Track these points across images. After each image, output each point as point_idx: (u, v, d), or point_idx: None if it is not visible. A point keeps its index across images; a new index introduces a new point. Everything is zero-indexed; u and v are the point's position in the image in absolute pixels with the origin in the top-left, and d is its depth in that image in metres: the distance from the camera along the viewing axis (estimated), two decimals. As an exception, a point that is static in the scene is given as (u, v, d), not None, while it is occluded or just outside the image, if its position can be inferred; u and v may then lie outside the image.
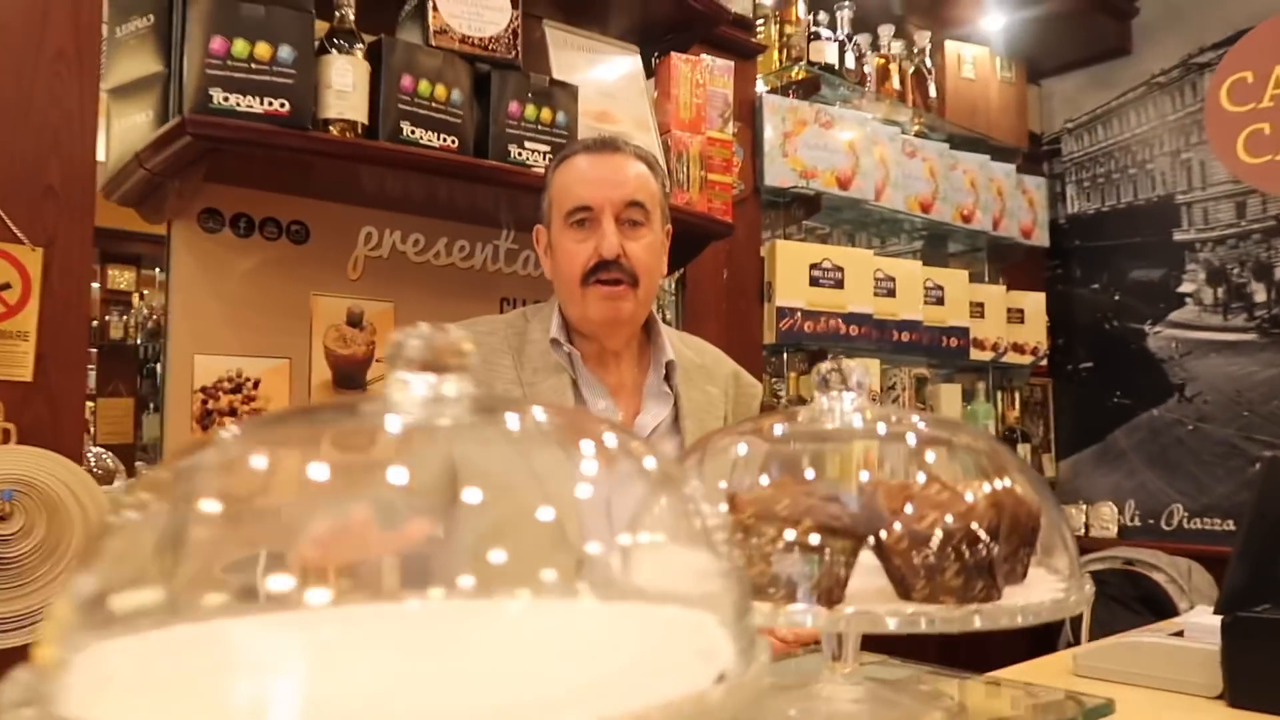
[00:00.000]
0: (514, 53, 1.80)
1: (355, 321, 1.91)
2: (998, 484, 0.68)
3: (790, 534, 0.61)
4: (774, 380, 2.82)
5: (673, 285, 2.49)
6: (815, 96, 2.82)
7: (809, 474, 0.68)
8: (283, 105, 1.52)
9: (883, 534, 0.63)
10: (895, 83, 3.11)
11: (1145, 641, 1.34)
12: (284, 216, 1.83)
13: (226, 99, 1.49)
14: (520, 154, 1.80)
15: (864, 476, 0.68)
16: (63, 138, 1.58)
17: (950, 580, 0.62)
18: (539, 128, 1.83)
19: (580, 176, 1.40)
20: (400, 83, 1.65)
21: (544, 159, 1.82)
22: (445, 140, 1.71)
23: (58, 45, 1.58)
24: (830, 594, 0.61)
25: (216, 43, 1.48)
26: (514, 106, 1.80)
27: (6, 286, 1.51)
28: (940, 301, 3.12)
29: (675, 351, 1.49)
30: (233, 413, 1.74)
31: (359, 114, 1.61)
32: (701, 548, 0.49)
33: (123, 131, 1.70)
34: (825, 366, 0.72)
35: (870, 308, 2.83)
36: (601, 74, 2.08)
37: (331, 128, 1.60)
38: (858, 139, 2.86)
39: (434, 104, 1.70)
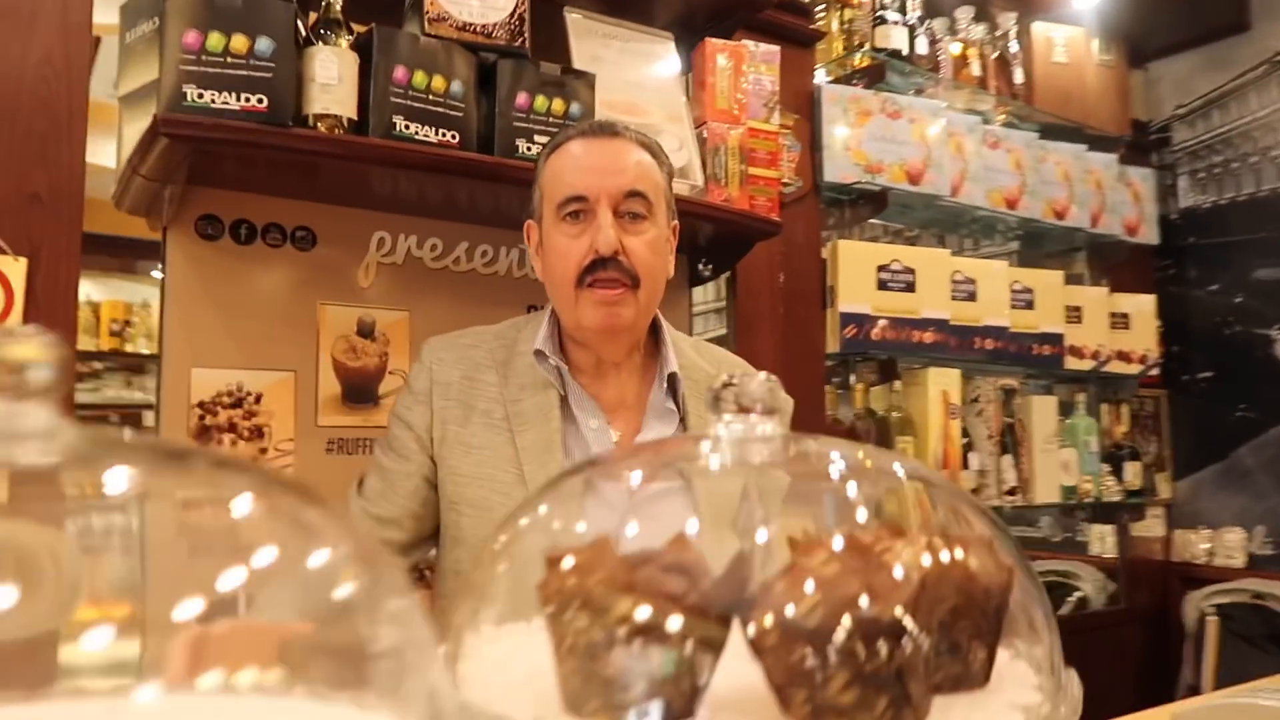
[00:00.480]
0: (520, 40, 1.67)
1: (366, 332, 1.81)
2: (933, 543, 0.49)
3: (605, 619, 0.44)
4: (839, 392, 2.61)
5: (720, 290, 2.32)
6: (881, 85, 2.60)
7: (643, 530, 0.50)
8: (260, 101, 1.42)
9: (750, 622, 0.45)
10: (975, 69, 2.86)
11: (1263, 705, 1.09)
12: (288, 222, 1.74)
13: (201, 96, 1.40)
14: (529, 149, 1.66)
15: (736, 536, 0.50)
16: (49, 145, 1.52)
17: (837, 695, 0.43)
18: (550, 120, 1.69)
19: (574, 163, 1.26)
20: (393, 74, 1.54)
21: (556, 153, 1.68)
22: (444, 135, 1.59)
23: (44, 50, 1.53)
24: (671, 709, 0.44)
25: (190, 36, 1.40)
26: (522, 98, 1.67)
27: (-12, 298, 1.46)
28: (1030, 305, 2.84)
29: (685, 362, 1.33)
30: (232, 428, 1.65)
31: (346, 109, 1.50)
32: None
33: (131, 138, 1.64)
34: (720, 381, 0.54)
35: (947, 313, 2.59)
36: (630, 63, 1.93)
37: (320, 124, 1.50)
38: (930, 130, 2.62)
39: (431, 97, 1.58)
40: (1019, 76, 2.98)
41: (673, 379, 1.29)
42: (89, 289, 6.47)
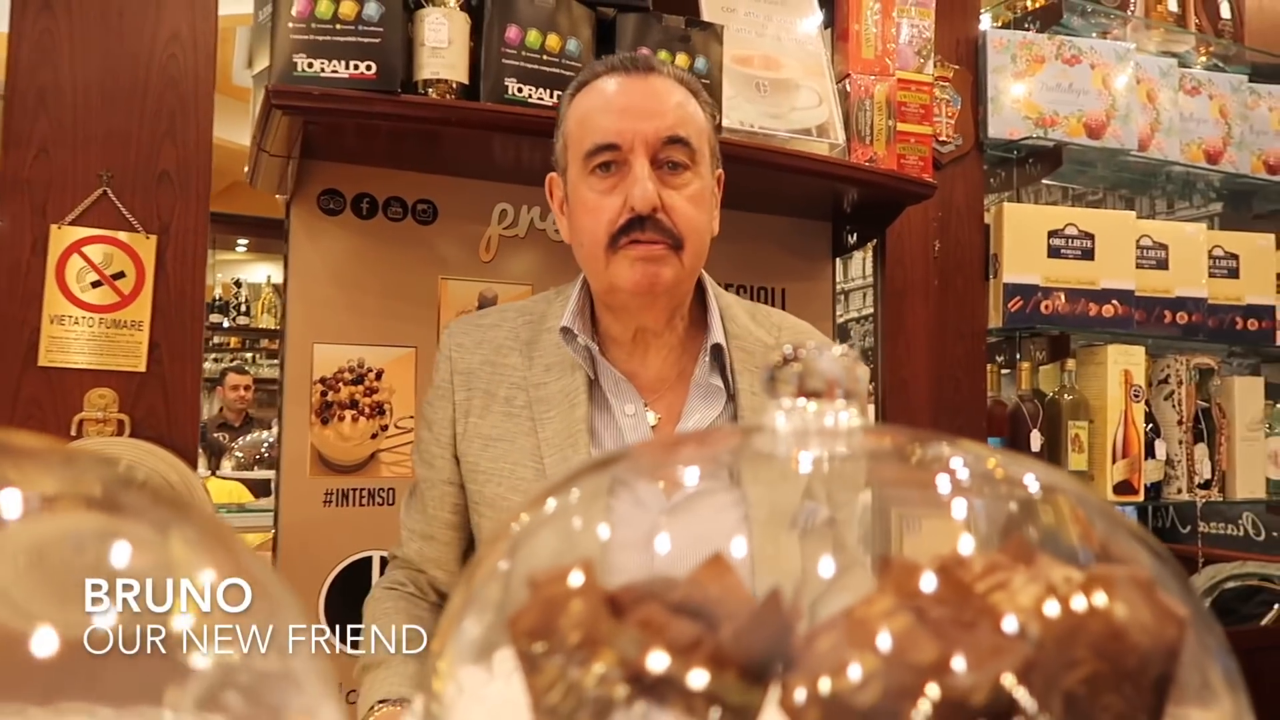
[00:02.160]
0: (641, -9, 1.55)
1: (488, 307, 1.76)
2: (1062, 582, 0.35)
3: (587, 670, 0.33)
4: (1003, 372, 2.37)
5: (864, 259, 2.14)
6: (1057, 28, 2.33)
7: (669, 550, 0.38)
8: (369, 68, 1.38)
9: (786, 689, 0.32)
10: (1172, 4, 2.52)
11: None
12: (409, 195, 1.70)
13: (310, 65, 1.37)
14: (651, 109, 1.55)
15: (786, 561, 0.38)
16: (178, 122, 1.54)
17: None
18: (674, 77, 1.57)
19: (604, 104, 1.06)
20: (505, 34, 1.46)
21: (679, 113, 1.56)
22: (559, 98, 1.50)
23: (172, 28, 1.54)
24: None
25: (300, 4, 1.37)
26: (644, 54, 1.55)
27: (120, 275, 1.49)
28: (1233, 274, 2.49)
29: (737, 329, 1.14)
30: (353, 405, 1.64)
31: (457, 73, 1.44)
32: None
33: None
34: (780, 355, 0.42)
35: (1131, 282, 2.30)
36: (764, 13, 1.78)
37: (431, 90, 1.44)
38: (1116, 76, 2.33)
39: (545, 57, 1.49)
40: (1225, 10, 2.61)
41: (716, 351, 1.11)
42: (270, 270, 6.88)
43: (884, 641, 0.32)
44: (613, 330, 1.12)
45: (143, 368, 1.49)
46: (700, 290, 1.16)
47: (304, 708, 0.35)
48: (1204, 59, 2.63)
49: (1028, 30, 2.32)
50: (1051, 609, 0.37)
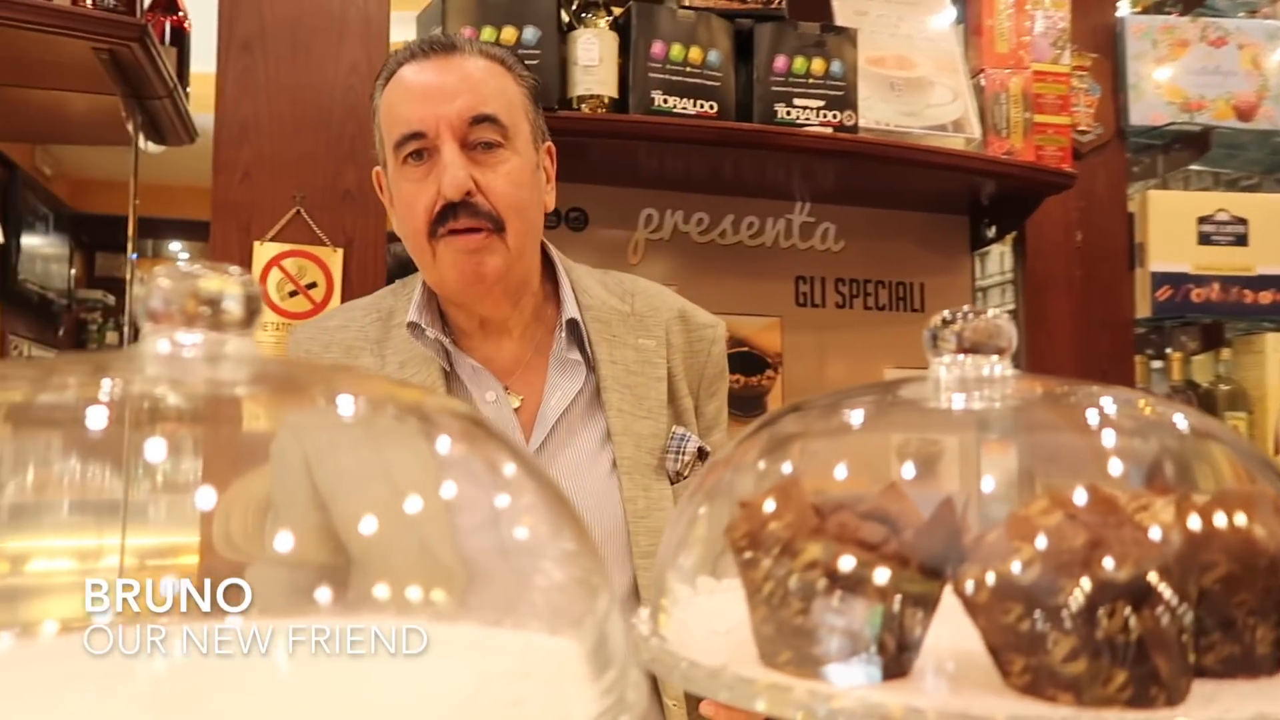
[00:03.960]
0: (778, 2, 1.63)
1: (635, 307, 1.86)
2: (1203, 502, 0.41)
3: (793, 565, 0.41)
4: (1153, 364, 2.32)
5: (1002, 255, 2.15)
6: (1200, 10, 2.27)
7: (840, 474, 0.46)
8: (529, 87, 1.50)
9: (961, 576, 0.40)
10: (1329, -22, 2.41)
11: None
12: (562, 205, 1.82)
13: (477, 87, 1.50)
14: (789, 113, 1.63)
15: (952, 483, 0.45)
16: (358, 146, 1.70)
17: (1062, 665, 0.37)
18: (810, 81, 1.64)
19: (404, 93, 1.02)
20: (651, 50, 1.56)
21: (816, 115, 1.63)
22: (702, 106, 1.59)
23: (351, 59, 1.71)
24: (879, 668, 0.40)
25: (466, 34, 1.51)
26: (780, 61, 1.63)
27: (313, 285, 1.66)
28: (1407, 256, 2.36)
29: (591, 301, 1.11)
30: (515, 400, 1.76)
31: (607, 88, 1.55)
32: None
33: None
34: (937, 320, 0.49)
35: (1290, 268, 2.22)
36: (897, 14, 1.83)
37: (583, 105, 1.56)
38: (1269, 55, 2.25)
39: (689, 68, 1.59)
40: (1390, -19, 2.48)
41: (573, 325, 1.08)
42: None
43: (1042, 532, 0.39)
44: (459, 321, 1.09)
45: (332, 367, 1.66)
46: (549, 265, 1.14)
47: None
48: (1368, 32, 2.50)
49: (1169, 14, 2.28)
50: (1189, 519, 0.43)
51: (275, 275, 1.64)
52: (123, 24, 1.42)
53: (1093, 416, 0.51)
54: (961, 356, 0.51)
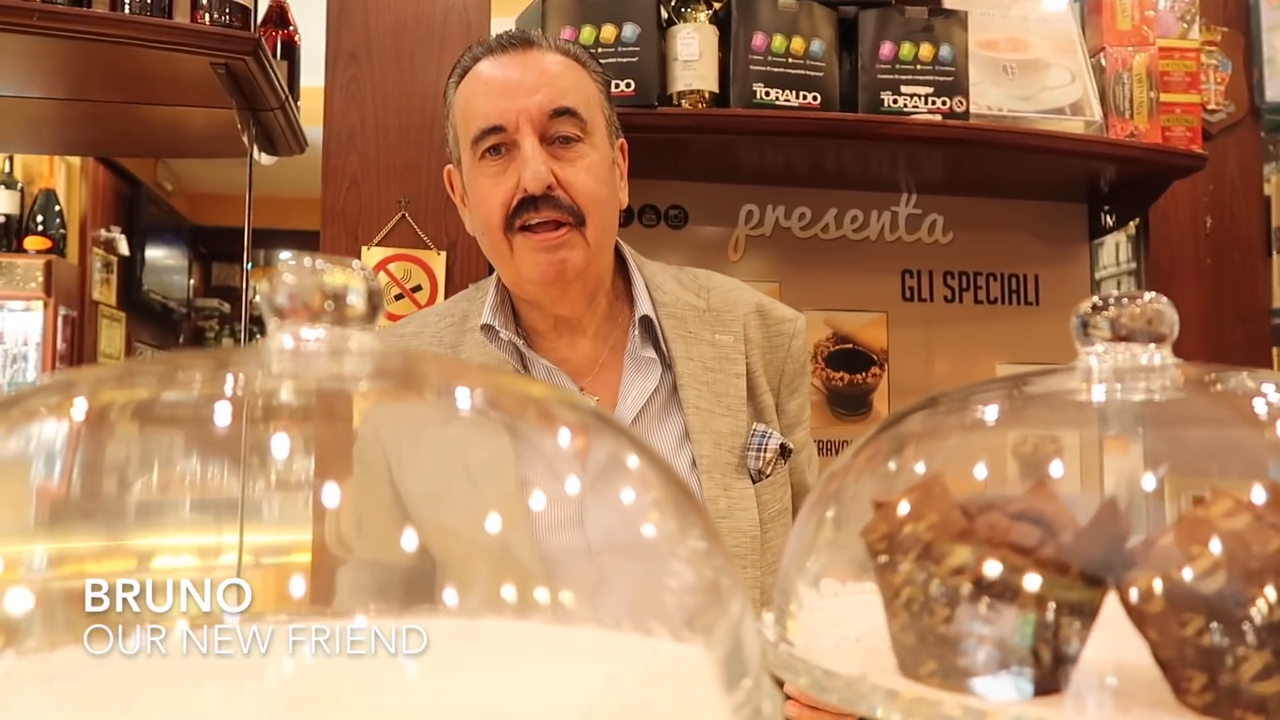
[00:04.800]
0: (883, -13, 1.58)
1: (737, 305, 1.83)
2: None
3: (938, 570, 0.37)
4: (1292, 355, 2.17)
5: (1125, 243, 2.03)
6: (1344, -25, 2.11)
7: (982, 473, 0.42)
8: (628, 85, 1.49)
9: (1127, 584, 0.36)
10: None
11: None
12: (661, 203, 1.81)
13: (576, 87, 1.50)
14: (895, 101, 1.57)
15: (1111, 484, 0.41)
16: (460, 149, 1.72)
17: (1252, 684, 0.33)
18: (918, 68, 1.58)
19: (483, 88, 1.02)
20: (752, 42, 1.53)
21: (925, 103, 1.58)
22: (805, 98, 1.55)
23: (452, 65, 1.73)
24: (1032, 682, 0.36)
25: (567, 33, 1.50)
26: (886, 48, 1.58)
27: (418, 288, 1.69)
28: None
29: (665, 298, 1.08)
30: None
31: (708, 83, 1.53)
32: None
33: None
34: (1086, 306, 0.45)
35: None
36: (1008, -5, 1.76)
37: (683, 101, 1.54)
38: None
39: (790, 60, 1.55)
40: None
41: (647, 323, 1.05)
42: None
43: (1226, 535, 0.35)
44: (534, 321, 1.08)
45: (438, 369, 1.68)
46: (622, 262, 1.11)
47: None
48: None
49: (1309, -19, 2.12)
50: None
51: (382, 279, 1.67)
52: (238, 39, 1.47)
53: (1260, 407, 0.46)
54: (1115, 345, 0.47)
